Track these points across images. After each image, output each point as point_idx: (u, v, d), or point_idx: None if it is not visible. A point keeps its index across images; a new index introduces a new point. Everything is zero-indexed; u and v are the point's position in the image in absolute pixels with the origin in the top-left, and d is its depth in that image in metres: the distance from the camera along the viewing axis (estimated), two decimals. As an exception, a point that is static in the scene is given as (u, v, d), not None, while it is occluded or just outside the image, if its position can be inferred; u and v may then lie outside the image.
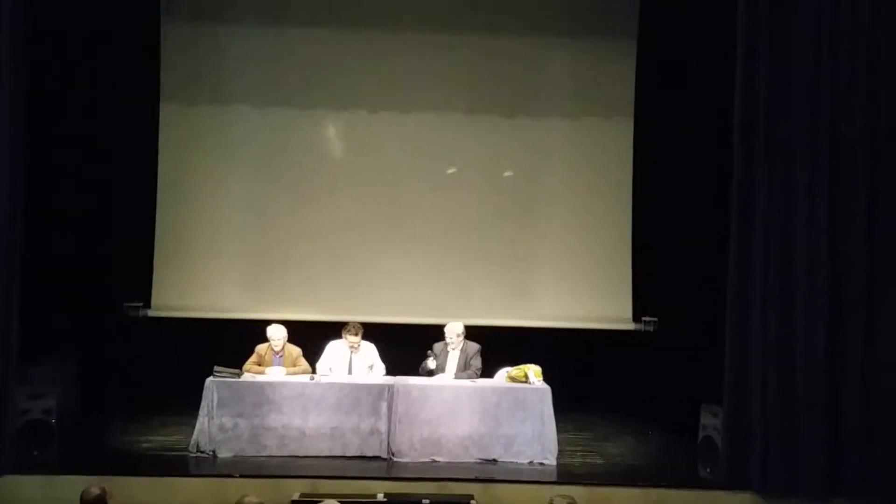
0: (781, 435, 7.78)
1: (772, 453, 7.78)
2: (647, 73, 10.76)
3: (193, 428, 8.48)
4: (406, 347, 9.29)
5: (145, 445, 8.80)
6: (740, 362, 7.95)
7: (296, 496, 7.42)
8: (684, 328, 10.22)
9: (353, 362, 9.05)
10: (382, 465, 8.32)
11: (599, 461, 8.75)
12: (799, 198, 7.84)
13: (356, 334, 9.01)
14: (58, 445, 8.67)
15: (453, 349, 9.01)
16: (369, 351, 9.13)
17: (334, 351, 9.07)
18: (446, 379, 8.87)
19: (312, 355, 9.00)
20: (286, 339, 8.96)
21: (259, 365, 8.86)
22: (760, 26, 7.88)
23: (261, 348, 8.97)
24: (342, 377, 8.84)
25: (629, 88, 10.84)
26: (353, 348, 9.03)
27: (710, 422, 8.73)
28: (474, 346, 9.05)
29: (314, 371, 8.89)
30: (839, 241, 7.83)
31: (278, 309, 10.12)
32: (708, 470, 8.49)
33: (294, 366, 8.87)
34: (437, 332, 9.17)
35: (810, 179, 7.83)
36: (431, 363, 8.96)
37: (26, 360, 8.30)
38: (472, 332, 9.18)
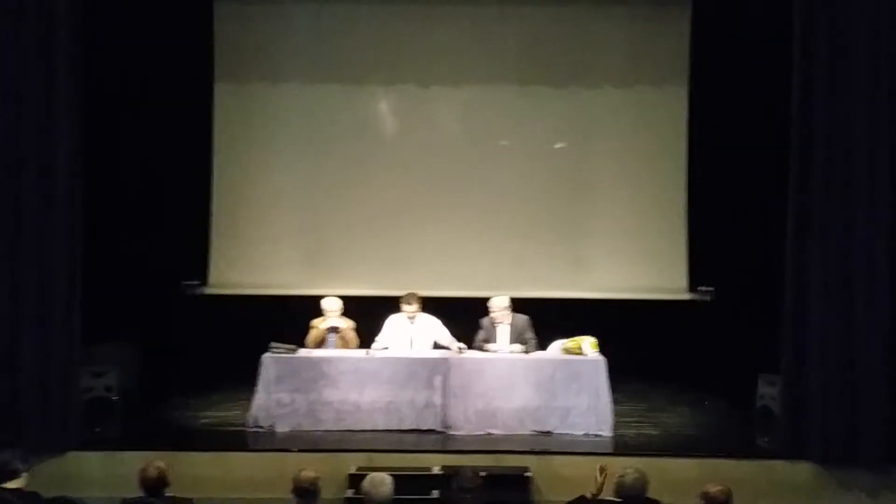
0: (840, 404, 7.69)
1: (830, 422, 7.70)
2: (702, 38, 10.54)
3: (251, 403, 8.59)
4: (460, 321, 9.26)
5: (204, 421, 8.94)
6: (798, 331, 7.85)
7: (353, 470, 7.51)
8: (741, 297, 10.10)
9: (412, 335, 9.00)
10: (438, 439, 8.35)
11: (655, 432, 8.70)
12: (860, 163, 7.70)
13: (411, 303, 8.98)
14: (119, 422, 8.85)
15: (501, 323, 8.94)
16: (434, 326, 9.05)
17: (394, 325, 9.02)
18: (500, 352, 8.85)
19: (366, 329, 9.04)
20: (342, 310, 9.05)
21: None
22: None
23: (316, 322, 9.05)
24: (397, 351, 8.85)
25: (684, 55, 10.64)
26: (410, 318, 8.99)
27: (768, 391, 8.65)
28: (523, 318, 8.96)
29: (362, 343, 8.92)
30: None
31: (332, 284, 10.13)
32: (766, 439, 8.40)
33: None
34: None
35: (871, 145, 7.68)
36: (488, 345, 8.90)
37: (88, 338, 8.45)
38: (526, 305, 9.14)
